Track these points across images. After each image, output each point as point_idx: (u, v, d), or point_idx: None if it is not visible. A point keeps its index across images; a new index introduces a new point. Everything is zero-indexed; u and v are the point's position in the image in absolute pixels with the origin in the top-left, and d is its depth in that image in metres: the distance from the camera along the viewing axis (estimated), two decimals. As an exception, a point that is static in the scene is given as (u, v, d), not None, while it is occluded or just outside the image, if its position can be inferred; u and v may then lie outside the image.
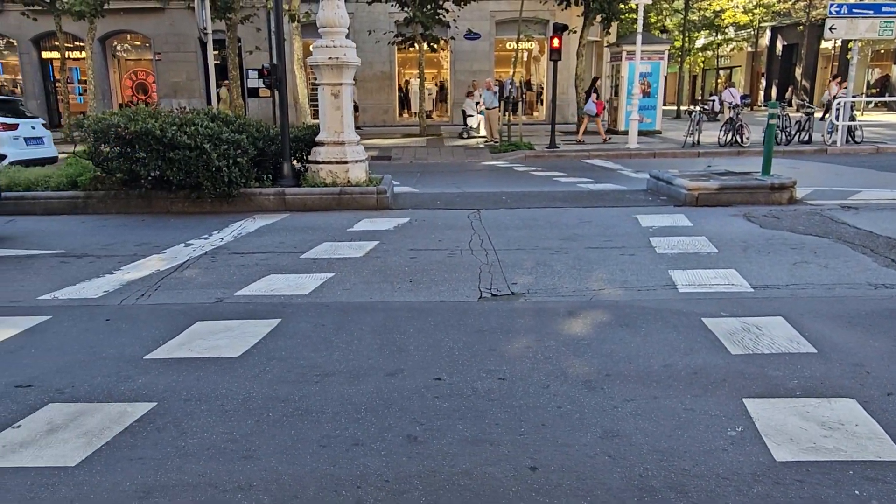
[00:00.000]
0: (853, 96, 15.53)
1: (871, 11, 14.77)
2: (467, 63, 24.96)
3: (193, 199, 8.31)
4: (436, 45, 21.66)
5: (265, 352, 3.77)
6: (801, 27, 32.57)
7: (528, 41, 24.52)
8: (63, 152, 13.72)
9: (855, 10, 14.78)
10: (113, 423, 2.97)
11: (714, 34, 38.38)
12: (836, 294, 4.64)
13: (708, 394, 3.13)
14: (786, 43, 35.68)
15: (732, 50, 41.18)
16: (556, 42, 15.94)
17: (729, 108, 17.46)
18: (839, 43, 28.88)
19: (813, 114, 16.79)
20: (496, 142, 17.68)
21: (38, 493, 2.46)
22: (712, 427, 2.83)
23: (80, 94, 25.82)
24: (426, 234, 6.87)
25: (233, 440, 2.81)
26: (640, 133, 17.22)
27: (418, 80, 21.47)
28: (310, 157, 9.18)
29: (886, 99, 27.39)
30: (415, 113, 24.51)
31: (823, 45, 32.04)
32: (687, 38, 33.98)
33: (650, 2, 19.28)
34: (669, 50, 22.73)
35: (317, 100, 9.64)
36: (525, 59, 26.48)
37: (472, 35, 24.34)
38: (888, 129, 19.70)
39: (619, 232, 6.79)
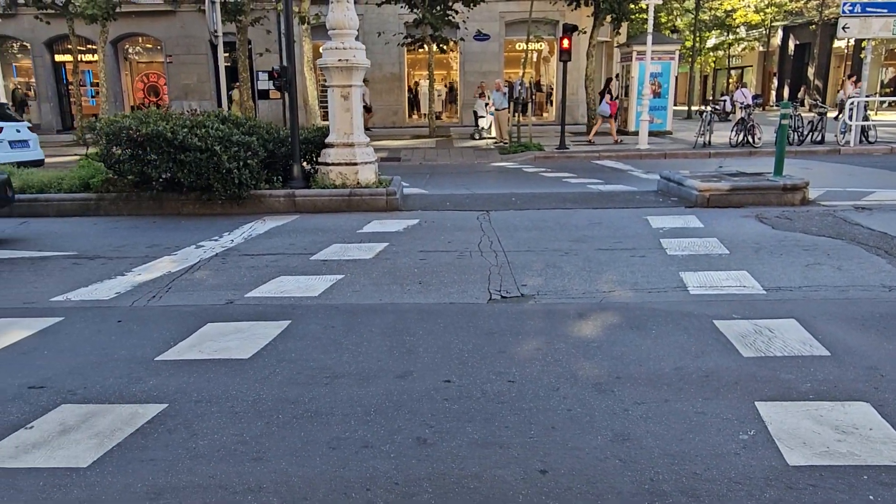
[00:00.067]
0: (867, 96, 15.37)
1: (886, 10, 14.61)
2: (477, 64, 24.95)
3: (204, 200, 8.36)
4: (445, 47, 21.67)
5: (275, 353, 3.78)
6: (813, 26, 32.31)
7: (538, 42, 24.49)
8: (75, 154, 13.86)
9: (869, 9, 14.63)
10: (124, 424, 2.98)
11: (725, 34, 38.15)
12: (850, 296, 4.59)
13: (719, 397, 3.11)
14: (798, 42, 35.40)
15: (744, 50, 40.91)
16: (565, 43, 15.89)
17: (740, 108, 17.34)
18: (852, 42, 28.63)
19: (826, 114, 16.64)
20: (505, 143, 17.66)
21: (51, 493, 2.48)
22: (724, 431, 2.80)
23: (92, 97, 26.03)
24: (436, 236, 6.87)
25: (243, 442, 2.81)
26: (651, 134, 17.14)
27: (428, 81, 21.48)
28: (320, 159, 9.20)
29: (901, 98, 27.10)
30: (424, 114, 24.53)
31: (836, 44, 31.75)
32: (698, 38, 33.79)
33: (661, 2, 19.18)
34: (680, 50, 22.65)
35: (326, 101, 9.67)
36: (535, 59, 26.44)
37: (481, 36, 24.32)
38: (902, 128, 19.47)
39: (630, 233, 6.76)
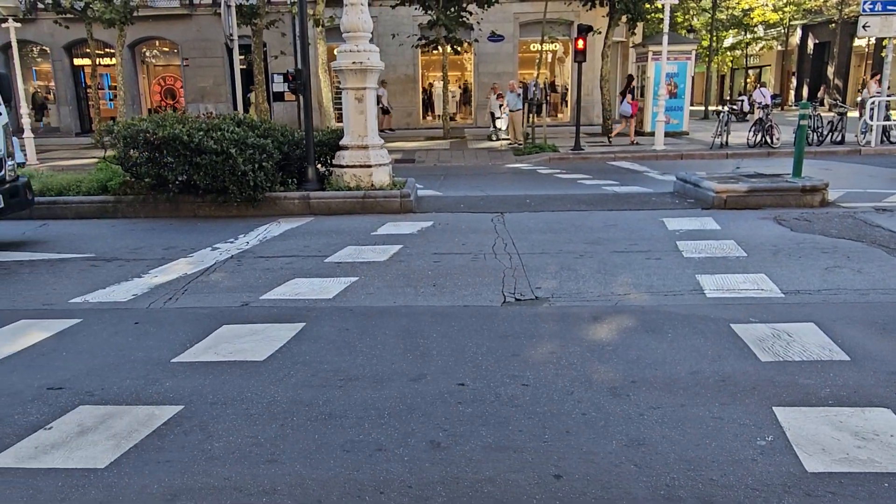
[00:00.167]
0: (888, 95, 15.14)
1: (907, 8, 14.38)
2: (491, 65, 24.92)
3: (220, 203, 8.42)
4: (459, 48, 21.66)
5: (289, 356, 3.80)
6: (833, 25, 31.89)
7: (553, 43, 24.37)
8: (93, 157, 14.02)
9: (889, 7, 14.39)
10: (141, 425, 3.01)
11: (743, 33, 37.76)
12: (871, 300, 4.52)
13: (736, 402, 3.07)
14: (817, 41, 34.96)
15: (762, 49, 40.48)
16: (580, 43, 15.82)
17: (758, 108, 17.14)
18: (873, 41, 28.21)
19: (846, 113, 16.42)
20: (520, 144, 17.62)
21: (69, 494, 2.51)
22: (741, 436, 2.77)
23: (110, 100, 26.33)
24: (450, 238, 6.87)
25: (257, 444, 2.83)
26: (667, 134, 17.01)
27: (442, 82, 21.50)
28: (334, 161, 9.24)
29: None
30: (438, 115, 24.53)
31: (857, 42, 31.30)
32: (715, 38, 33.50)
33: (677, 1, 19.07)
34: (697, 50, 22.44)
35: (341, 103, 9.70)
36: (549, 60, 26.34)
37: (495, 37, 24.30)
38: (924, 128, 19.14)
39: (645, 235, 6.71)
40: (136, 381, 3.51)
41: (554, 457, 2.66)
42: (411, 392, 3.28)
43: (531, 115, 17.77)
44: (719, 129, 16.04)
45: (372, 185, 8.92)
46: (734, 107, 22.72)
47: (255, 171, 8.16)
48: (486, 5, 19.93)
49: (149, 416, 3.10)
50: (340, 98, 9.71)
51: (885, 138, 15.16)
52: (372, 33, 9.08)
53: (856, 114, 19.48)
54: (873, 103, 15.00)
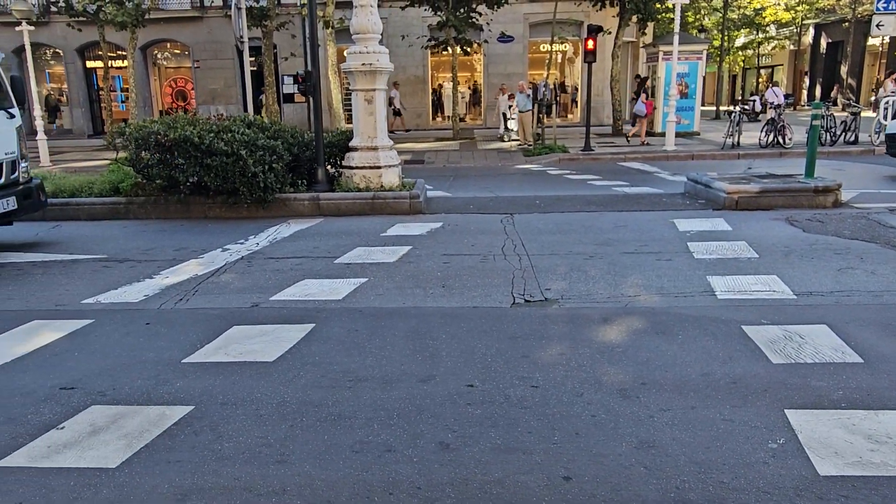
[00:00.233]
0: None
1: (921, 7, 14.25)
2: (501, 66, 24.90)
3: (230, 204, 8.47)
4: (469, 49, 21.67)
5: (299, 356, 3.81)
6: (846, 24, 31.60)
7: (562, 43, 24.34)
8: (105, 159, 14.15)
9: (903, 6, 14.27)
10: (152, 425, 3.03)
11: (755, 32, 37.50)
12: (884, 301, 4.48)
13: (748, 404, 3.05)
14: (830, 40, 34.65)
15: (774, 48, 40.18)
16: (590, 44, 15.79)
17: (771, 107, 17.00)
18: (887, 40, 27.95)
19: (859, 113, 16.25)
20: (529, 145, 17.59)
21: (81, 493, 2.53)
22: (752, 439, 2.75)
23: (122, 102, 26.54)
24: (459, 239, 6.87)
25: (267, 444, 2.84)
26: (678, 135, 16.92)
27: (451, 83, 21.51)
28: (343, 163, 9.27)
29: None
30: (448, 116, 24.55)
31: (870, 42, 31.00)
32: (726, 38, 33.29)
33: (688, 1, 18.96)
34: (708, 49, 22.32)
35: (350, 105, 9.73)
36: (559, 61, 26.29)
37: (505, 38, 24.28)
38: (939, 128, 18.91)
39: (656, 237, 6.67)
40: (147, 381, 3.53)
41: (563, 459, 2.65)
42: (420, 393, 3.28)
43: (541, 116, 17.74)
44: (731, 130, 15.94)
45: (381, 186, 8.94)
46: (746, 107, 22.56)
47: (265, 173, 8.20)
48: (495, 6, 19.92)
49: (160, 416, 3.12)
50: (350, 99, 9.73)
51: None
52: (381, 35, 9.11)
53: (870, 113, 19.31)
54: (887, 103, 14.85)
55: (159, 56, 27.49)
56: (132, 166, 8.69)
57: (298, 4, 22.19)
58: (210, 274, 5.76)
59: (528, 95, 18.16)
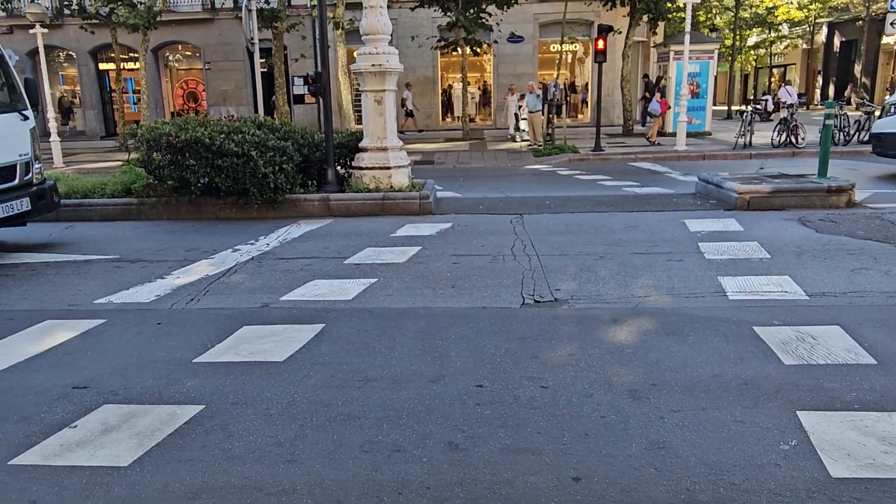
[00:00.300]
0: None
1: (936, 5, 14.09)
2: (510, 66, 24.88)
3: (241, 205, 8.51)
4: (479, 49, 21.66)
5: (309, 356, 3.82)
6: (860, 22, 31.30)
7: (573, 43, 24.28)
8: (118, 160, 14.26)
9: (918, 4, 14.12)
10: (163, 424, 3.05)
11: (767, 31, 37.22)
12: (898, 302, 4.43)
13: (759, 405, 3.03)
14: (844, 39, 34.34)
15: (786, 47, 39.86)
16: (601, 43, 15.74)
17: (783, 106, 16.87)
18: (901, 38, 27.64)
19: (873, 112, 16.08)
20: (539, 145, 17.56)
21: (93, 491, 2.55)
22: (764, 440, 2.73)
23: (134, 104, 26.77)
24: (469, 240, 6.86)
25: (277, 444, 2.85)
26: (689, 135, 16.82)
27: (461, 84, 21.51)
28: (353, 163, 9.29)
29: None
30: (458, 117, 24.56)
31: (885, 40, 30.65)
32: (738, 37, 33.06)
33: (699, 0, 18.84)
34: (719, 49, 22.17)
35: (360, 105, 9.75)
36: (569, 61, 26.23)
37: (515, 38, 24.25)
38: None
39: (666, 237, 6.64)
40: (158, 380, 3.56)
41: (573, 459, 2.65)
42: (430, 393, 3.28)
43: (551, 117, 17.70)
44: (743, 129, 15.83)
45: (391, 186, 8.95)
46: (758, 106, 22.40)
47: (275, 174, 8.24)
48: (505, 6, 19.90)
49: (171, 415, 3.14)
50: (360, 100, 9.75)
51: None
52: (391, 35, 9.13)
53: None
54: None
55: (171, 58, 27.68)
56: (144, 167, 8.75)
57: (309, 6, 22.27)
58: (221, 274, 5.79)
59: (538, 96, 18.12)
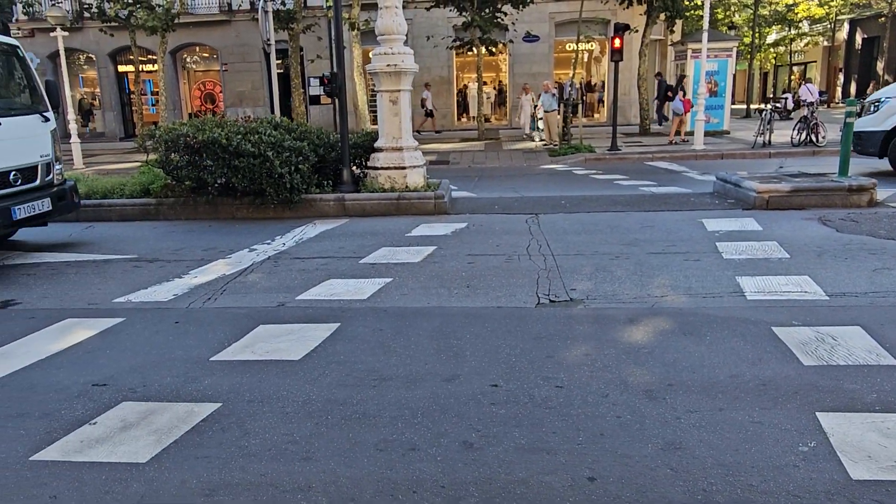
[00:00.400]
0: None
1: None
2: (526, 66, 24.81)
3: (257, 205, 8.57)
4: (494, 49, 21.64)
5: (325, 355, 3.84)
6: (882, 19, 30.80)
7: (589, 42, 24.15)
8: (136, 161, 14.43)
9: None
10: (181, 422, 3.08)
11: (786, 29, 36.76)
12: (921, 302, 4.35)
13: (778, 406, 2.99)
14: (866, 36, 33.81)
15: (807, 45, 39.34)
16: (617, 42, 15.63)
17: (804, 105, 16.65)
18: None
19: None
20: (555, 145, 17.49)
21: (112, 487, 2.58)
22: (782, 442, 2.70)
23: (152, 105, 27.09)
24: (484, 239, 6.86)
25: (293, 441, 2.87)
26: (707, 133, 16.66)
27: (476, 83, 21.49)
28: (369, 163, 9.32)
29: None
30: (473, 117, 24.54)
31: (907, 37, 30.19)
32: (757, 34, 32.69)
33: (716, -2, 18.66)
34: (738, 47, 21.95)
35: (376, 105, 9.78)
36: (585, 60, 26.11)
37: (531, 38, 24.19)
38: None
39: (684, 237, 6.59)
40: (176, 378, 3.60)
41: (588, 459, 2.63)
42: (444, 392, 3.29)
43: (567, 116, 17.63)
44: (762, 128, 15.65)
45: (406, 186, 8.97)
46: (777, 105, 22.13)
47: (291, 174, 8.29)
48: (520, 6, 19.85)
49: (188, 412, 3.17)
50: (375, 100, 9.78)
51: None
52: (406, 36, 9.14)
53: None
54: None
55: (188, 60, 27.97)
56: (162, 168, 8.85)
57: (324, 7, 22.38)
58: (237, 274, 5.84)
59: (554, 95, 18.06)
